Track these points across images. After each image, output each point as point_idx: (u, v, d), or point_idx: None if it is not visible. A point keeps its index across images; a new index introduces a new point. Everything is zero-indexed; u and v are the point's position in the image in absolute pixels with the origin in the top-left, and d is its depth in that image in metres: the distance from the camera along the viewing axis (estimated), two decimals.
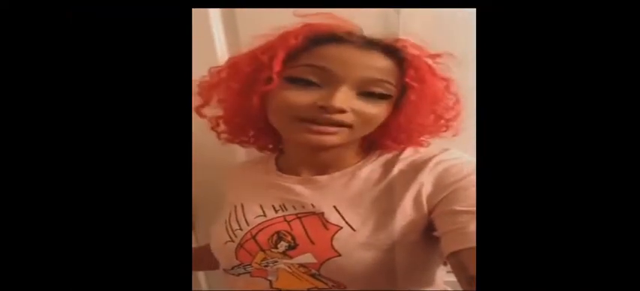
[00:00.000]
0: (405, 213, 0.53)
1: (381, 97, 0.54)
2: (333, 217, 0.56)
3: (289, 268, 0.57)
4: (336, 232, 0.55)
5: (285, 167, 0.65)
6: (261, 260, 0.59)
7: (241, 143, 0.69)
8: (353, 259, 0.53)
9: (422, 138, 0.62)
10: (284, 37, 0.54)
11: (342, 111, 0.51)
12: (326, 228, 0.56)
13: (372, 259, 0.53)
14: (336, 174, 0.60)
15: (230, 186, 0.72)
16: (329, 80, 0.52)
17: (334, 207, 0.57)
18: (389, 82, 0.53)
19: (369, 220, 0.55)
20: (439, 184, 0.53)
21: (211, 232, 0.66)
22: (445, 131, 0.61)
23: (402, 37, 0.55)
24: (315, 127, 0.52)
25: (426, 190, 0.53)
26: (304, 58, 0.52)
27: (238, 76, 0.57)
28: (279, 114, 0.55)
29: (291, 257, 0.56)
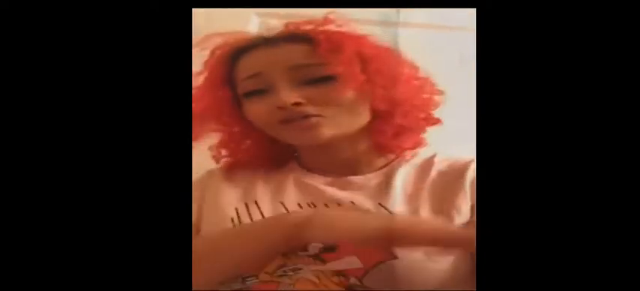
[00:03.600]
0: (461, 214, 0.51)
1: (326, 79, 0.54)
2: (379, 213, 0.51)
3: (317, 277, 0.48)
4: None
5: (306, 166, 0.62)
6: (277, 268, 0.48)
7: (246, 165, 0.64)
8: (412, 262, 0.46)
9: (423, 111, 0.60)
10: (212, 69, 0.60)
11: (298, 103, 0.53)
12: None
13: (438, 265, 0.47)
14: (370, 175, 0.58)
15: (228, 185, 0.62)
16: (268, 82, 0.55)
17: (380, 204, 0.52)
18: (319, 64, 0.54)
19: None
20: None
21: (206, 236, 0.56)
22: (437, 95, 0.60)
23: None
24: (294, 124, 0.54)
25: (473, 192, 0.53)
26: (241, 73, 0.57)
27: (209, 107, 0.60)
28: (263, 126, 0.58)
29: (324, 262, 0.47)
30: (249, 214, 0.55)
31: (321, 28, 0.56)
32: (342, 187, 0.57)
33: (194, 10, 0.45)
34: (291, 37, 0.56)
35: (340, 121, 0.55)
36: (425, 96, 0.60)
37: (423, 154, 0.61)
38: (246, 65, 0.57)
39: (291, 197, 0.57)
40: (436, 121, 0.61)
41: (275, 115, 0.54)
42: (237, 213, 0.56)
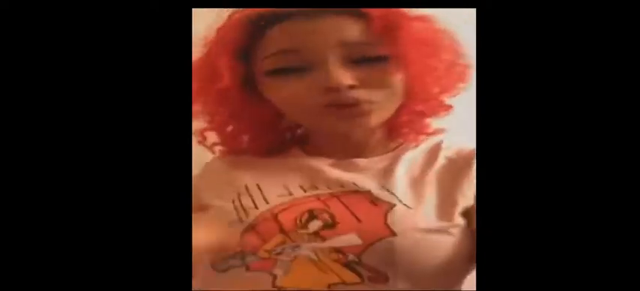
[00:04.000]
0: (465, 197, 0.50)
1: (378, 59, 0.49)
2: (383, 195, 0.50)
3: (315, 254, 0.47)
4: (390, 209, 0.48)
5: (311, 152, 0.58)
6: (277, 245, 0.48)
7: (241, 153, 0.61)
8: (412, 240, 0.46)
9: (442, 97, 0.57)
10: (223, 37, 0.52)
11: (352, 86, 0.48)
12: (375, 204, 0.49)
13: (438, 244, 0.47)
14: (376, 158, 0.56)
15: (227, 171, 0.59)
16: (312, 59, 0.48)
17: (383, 186, 0.51)
18: (372, 42, 0.49)
19: (426, 201, 0.50)
20: None
21: (202, 218, 0.53)
22: (461, 83, 0.56)
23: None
24: (343, 111, 0.49)
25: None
26: (268, 47, 0.50)
27: (204, 83, 0.54)
28: (294, 110, 0.53)
29: (324, 239, 0.47)
30: (251, 196, 0.53)
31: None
32: (346, 169, 0.55)
33: (194, 10, 0.45)
34: (339, 9, 0.49)
35: (388, 106, 0.52)
36: (456, 84, 0.57)
37: (432, 139, 0.59)
38: (279, 37, 0.49)
39: (295, 180, 0.54)
40: (448, 108, 0.59)
41: (320, 97, 0.49)
42: (239, 197, 0.53)
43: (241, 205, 0.52)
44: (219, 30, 0.53)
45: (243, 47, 0.52)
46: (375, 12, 0.49)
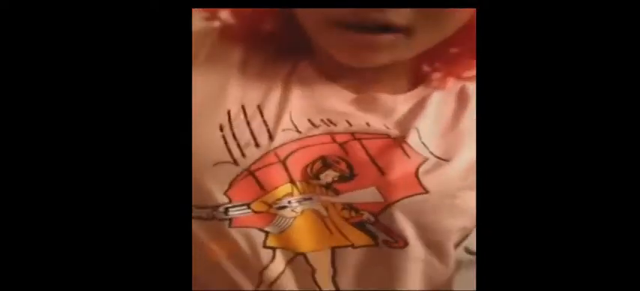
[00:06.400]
0: None
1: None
2: (415, 144, 0.41)
3: (327, 209, 0.38)
4: (423, 162, 0.40)
5: (322, 70, 0.46)
6: (282, 196, 0.38)
7: (257, 42, 0.48)
8: (445, 199, 0.39)
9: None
10: None
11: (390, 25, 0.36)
12: (408, 156, 0.40)
13: (467, 203, 0.39)
14: (401, 97, 0.45)
15: (217, 77, 0.45)
16: None
17: (417, 130, 0.42)
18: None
19: (460, 153, 0.41)
20: None
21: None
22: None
23: None
24: (358, 36, 0.37)
25: None
26: None
27: None
28: (313, 25, 0.41)
29: (337, 193, 0.38)
30: (249, 124, 0.41)
31: None
32: (369, 106, 0.44)
33: (194, 10, 0.45)
34: None
35: (422, 44, 0.40)
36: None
37: (460, 84, 0.49)
38: None
39: (303, 109, 0.43)
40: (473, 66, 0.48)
41: (345, 15, 0.36)
42: (230, 121, 0.41)
43: (234, 138, 0.40)
44: None
45: None
46: None
